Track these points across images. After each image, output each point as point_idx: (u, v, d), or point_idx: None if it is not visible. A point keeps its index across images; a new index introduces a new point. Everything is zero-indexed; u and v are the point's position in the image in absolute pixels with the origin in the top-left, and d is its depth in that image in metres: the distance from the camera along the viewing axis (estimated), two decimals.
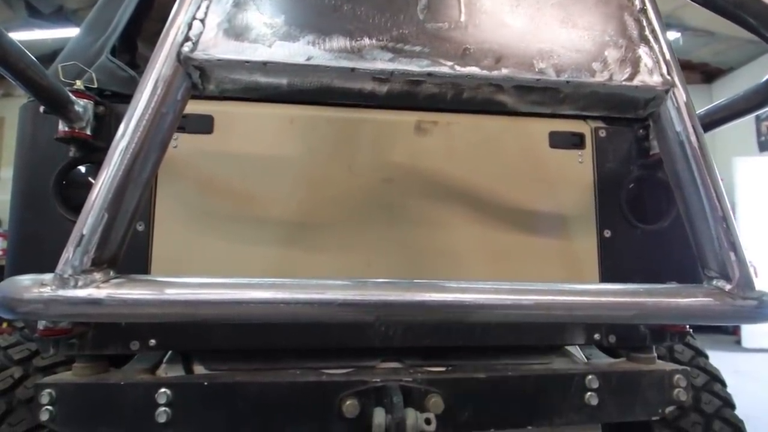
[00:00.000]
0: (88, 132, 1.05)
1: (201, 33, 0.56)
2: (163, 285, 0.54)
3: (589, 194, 1.25)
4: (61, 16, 6.53)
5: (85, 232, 0.52)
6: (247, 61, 0.56)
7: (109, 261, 0.54)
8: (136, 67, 1.25)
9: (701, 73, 7.17)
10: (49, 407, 0.95)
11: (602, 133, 1.27)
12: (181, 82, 0.56)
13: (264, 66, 0.56)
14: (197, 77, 0.58)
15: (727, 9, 0.72)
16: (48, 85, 0.89)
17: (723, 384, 1.45)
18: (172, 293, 0.53)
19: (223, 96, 0.63)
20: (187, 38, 0.55)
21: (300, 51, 0.57)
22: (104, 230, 0.53)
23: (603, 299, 0.57)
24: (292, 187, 1.14)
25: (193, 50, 0.55)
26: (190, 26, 0.56)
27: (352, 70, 0.58)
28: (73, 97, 1.00)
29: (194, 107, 1.12)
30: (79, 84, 1.06)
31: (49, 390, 0.96)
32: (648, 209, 1.28)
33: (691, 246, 1.27)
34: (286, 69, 0.57)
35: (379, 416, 0.94)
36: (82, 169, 1.11)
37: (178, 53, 0.55)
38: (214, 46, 0.56)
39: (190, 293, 0.53)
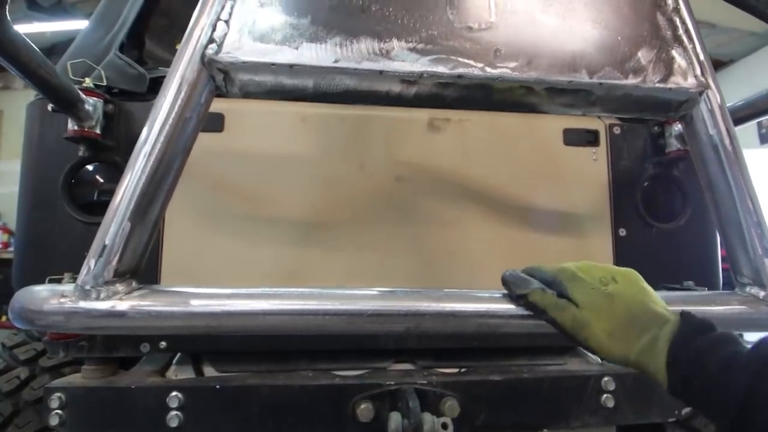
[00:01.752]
0: (98, 131, 1.03)
1: (225, 34, 0.54)
2: (187, 296, 0.52)
3: (603, 192, 1.23)
4: (60, 9, 6.45)
5: (107, 242, 0.50)
6: (273, 64, 0.54)
7: (131, 271, 0.52)
8: (143, 64, 1.22)
9: None
10: (59, 411, 0.94)
11: (617, 130, 1.25)
12: (204, 85, 0.54)
13: (290, 68, 0.54)
14: (221, 79, 0.56)
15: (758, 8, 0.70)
16: (59, 84, 0.87)
17: None
18: (197, 305, 0.51)
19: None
20: (211, 40, 0.53)
21: (327, 53, 0.55)
22: (127, 240, 0.51)
23: None
24: (304, 185, 1.12)
25: (217, 52, 0.53)
26: (214, 27, 0.53)
27: (381, 72, 0.56)
28: (83, 96, 0.98)
29: None
30: (88, 82, 1.04)
31: (58, 394, 0.94)
32: (663, 208, 1.27)
33: (707, 246, 1.27)
34: (313, 71, 0.55)
35: (396, 421, 0.93)
36: (91, 167, 1.09)
37: (202, 55, 0.53)
38: (239, 47, 0.54)
39: (215, 304, 0.52)
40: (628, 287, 0.58)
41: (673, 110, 0.65)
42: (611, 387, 1.05)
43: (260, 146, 1.12)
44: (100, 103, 1.04)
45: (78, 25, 6.70)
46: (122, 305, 0.50)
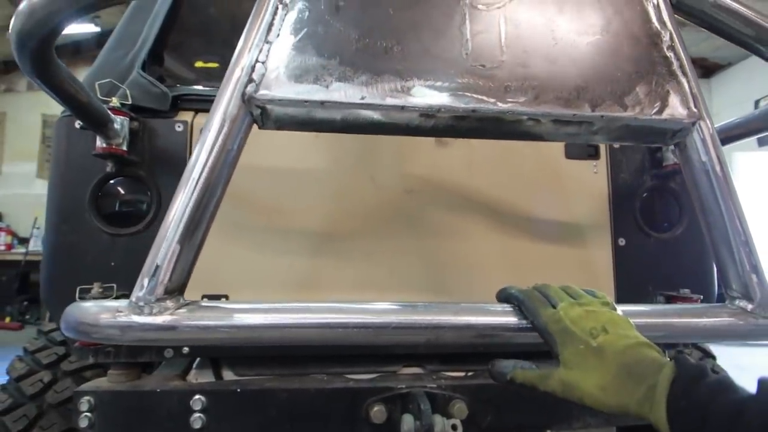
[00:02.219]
0: (124, 147, 1.09)
1: (263, 75, 0.59)
2: (230, 311, 0.58)
3: (603, 204, 1.29)
4: None
5: (159, 262, 0.56)
6: (306, 101, 0.60)
7: (179, 288, 0.58)
8: (163, 81, 1.28)
9: (700, 67, 7.23)
10: (88, 414, 0.99)
11: (616, 145, 1.31)
12: (244, 119, 0.60)
13: (321, 104, 0.60)
14: (258, 114, 0.62)
15: (748, 43, 0.76)
16: (92, 106, 0.93)
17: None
18: (239, 318, 0.57)
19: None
20: (250, 79, 0.59)
21: (355, 91, 0.60)
22: (176, 260, 0.57)
23: (637, 320, 0.61)
24: (317, 199, 1.18)
25: (256, 90, 0.59)
26: (253, 68, 0.59)
27: (402, 107, 0.62)
28: (112, 115, 1.04)
29: None
30: (115, 101, 1.09)
31: (88, 397, 1.00)
32: (661, 218, 1.33)
33: (702, 254, 1.32)
34: (342, 107, 0.61)
35: (408, 422, 0.99)
36: (117, 182, 1.15)
37: (243, 93, 0.59)
38: (276, 86, 0.59)
39: (256, 318, 0.57)
40: (618, 338, 0.57)
41: (668, 139, 0.71)
42: None
43: (275, 161, 1.18)
44: (126, 121, 1.09)
45: (83, 28, 6.75)
46: (172, 320, 0.55)
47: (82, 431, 0.99)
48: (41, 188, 7.46)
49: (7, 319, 6.17)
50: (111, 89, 1.19)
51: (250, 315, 0.58)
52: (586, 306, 0.61)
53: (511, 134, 0.68)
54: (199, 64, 1.47)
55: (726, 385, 0.51)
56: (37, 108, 7.57)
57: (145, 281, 0.56)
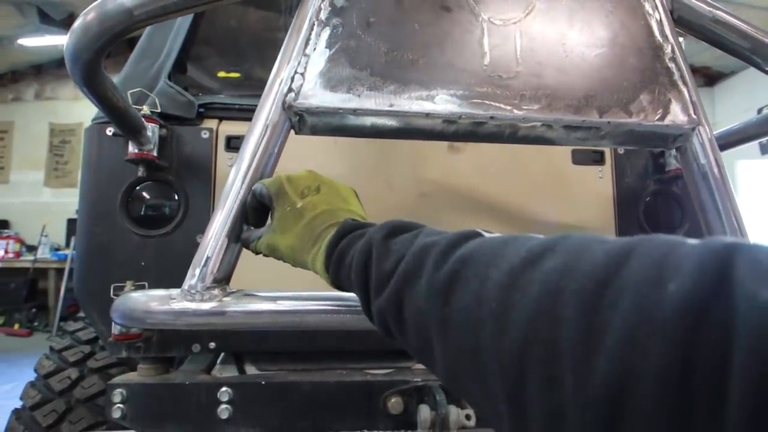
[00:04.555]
0: (155, 153, 1.15)
1: (301, 85, 0.66)
2: (273, 298, 0.63)
3: (608, 207, 1.35)
4: (71, 22, 6.59)
5: (209, 254, 0.62)
6: (340, 109, 0.66)
7: (225, 278, 0.64)
8: (187, 91, 1.34)
9: (703, 76, 7.30)
10: (121, 406, 1.05)
11: (620, 151, 1.37)
12: (283, 125, 0.66)
13: (353, 112, 0.66)
14: (296, 121, 0.68)
15: (745, 55, 0.83)
16: (129, 114, 0.99)
17: None
18: (282, 305, 0.63)
19: None
20: (290, 89, 0.65)
21: (384, 99, 0.66)
22: (224, 252, 0.63)
23: None
24: None
25: (295, 99, 0.65)
26: (292, 79, 0.65)
27: (427, 114, 0.68)
28: (145, 123, 1.10)
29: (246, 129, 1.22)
30: (146, 109, 1.16)
31: (120, 390, 1.05)
32: (663, 222, 1.38)
33: None
34: (372, 114, 0.67)
35: (425, 412, 1.04)
36: (147, 186, 1.21)
37: (283, 101, 0.65)
38: (313, 96, 0.65)
39: (297, 305, 0.63)
40: (324, 202, 0.60)
41: (670, 143, 0.77)
42: None
43: (295, 167, 1.24)
44: (156, 128, 1.16)
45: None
46: (222, 306, 0.61)
47: (115, 422, 1.04)
48: (49, 197, 7.58)
49: (16, 326, 6.22)
50: (139, 98, 1.25)
51: (292, 302, 0.63)
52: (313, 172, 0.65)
53: (525, 139, 0.74)
54: (221, 74, 1.54)
55: (362, 233, 0.53)
56: (44, 117, 7.67)
57: (197, 271, 0.62)
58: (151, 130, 1.14)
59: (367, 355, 1.24)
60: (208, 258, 0.62)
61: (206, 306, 0.61)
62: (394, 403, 1.09)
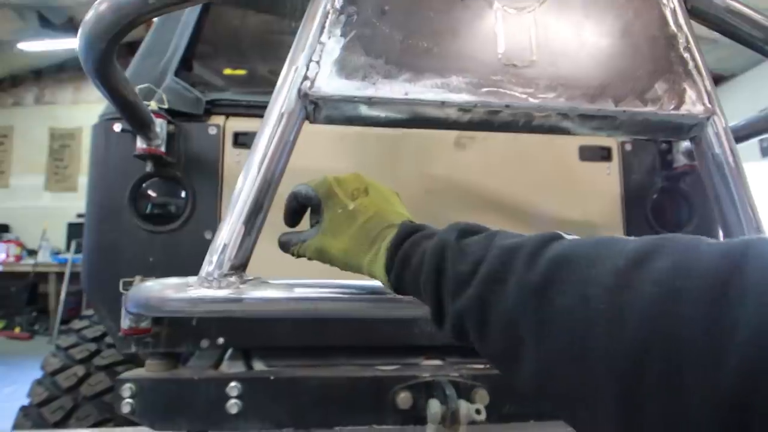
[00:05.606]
0: (163, 149, 1.15)
1: (317, 73, 0.65)
2: (291, 286, 0.63)
3: (616, 204, 1.35)
4: (71, 27, 6.62)
5: (226, 242, 0.62)
6: (355, 97, 0.66)
7: (242, 266, 0.63)
8: (194, 87, 1.34)
9: None
10: (130, 400, 1.04)
11: (628, 147, 1.37)
12: (298, 114, 0.66)
13: (369, 100, 0.66)
14: (311, 110, 0.68)
15: (758, 46, 0.83)
16: (139, 108, 0.99)
17: None
18: (298, 292, 0.62)
19: None
20: (305, 77, 0.65)
21: (399, 88, 0.66)
22: (241, 240, 0.62)
23: None
24: None
25: (310, 87, 0.65)
26: (307, 67, 0.65)
27: (442, 103, 0.68)
28: (154, 118, 1.10)
29: (254, 125, 1.22)
30: (153, 105, 1.16)
31: (129, 384, 1.05)
32: (671, 218, 1.38)
33: None
34: (387, 102, 0.67)
35: (434, 406, 1.04)
36: (155, 182, 1.21)
37: (299, 90, 0.65)
38: (328, 84, 0.65)
39: (312, 292, 0.63)
40: (374, 204, 0.60)
41: (684, 133, 0.77)
42: None
43: (303, 163, 1.23)
44: (164, 123, 1.16)
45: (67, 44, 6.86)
46: (239, 293, 0.61)
47: (124, 417, 1.03)
48: (49, 201, 7.57)
49: (17, 330, 6.20)
50: (147, 94, 1.25)
51: (308, 289, 0.63)
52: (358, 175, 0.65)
53: (540, 128, 0.74)
54: (227, 71, 1.54)
55: (429, 234, 0.53)
56: (44, 122, 7.67)
57: (214, 258, 0.61)
58: (160, 125, 1.14)
59: (376, 351, 1.23)
60: (225, 245, 0.62)
61: (223, 293, 0.61)
62: (404, 398, 1.09)
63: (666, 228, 1.37)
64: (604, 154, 1.36)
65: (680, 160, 1.33)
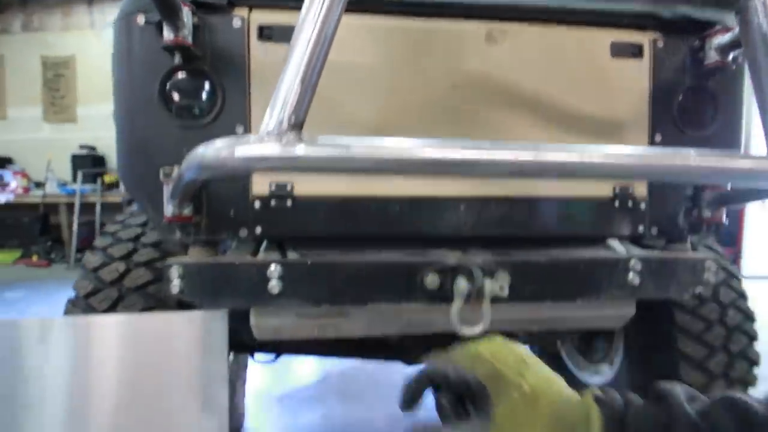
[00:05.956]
0: (190, 40, 1.13)
1: None
2: (347, 143, 0.66)
3: (644, 101, 1.35)
4: None
5: (285, 99, 0.64)
6: None
7: (299, 124, 0.66)
8: None
9: None
10: (178, 281, 1.11)
11: (660, 44, 1.34)
12: None
13: None
14: None
15: None
16: None
17: (738, 279, 1.63)
18: (357, 148, 0.65)
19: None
20: None
21: None
22: (298, 98, 0.64)
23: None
24: (368, 93, 1.23)
25: None
26: None
27: None
28: (181, 5, 1.08)
29: (278, 18, 1.20)
30: None
31: (177, 266, 1.11)
32: (696, 117, 1.39)
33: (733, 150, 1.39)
34: None
35: (461, 284, 1.11)
36: (183, 75, 1.20)
37: None
38: None
39: (370, 146, 0.66)
40: (544, 379, 0.49)
41: (732, 2, 0.77)
42: (638, 268, 1.22)
43: (330, 57, 1.23)
44: (190, 13, 1.13)
45: None
46: (299, 149, 0.64)
47: (174, 297, 1.11)
48: (49, 132, 7.48)
49: (34, 257, 6.40)
50: None
51: (362, 145, 0.66)
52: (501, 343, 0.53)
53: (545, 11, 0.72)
54: None
55: (649, 413, 0.46)
56: (35, 50, 7.40)
57: (274, 115, 0.64)
58: (186, 14, 1.12)
59: (402, 242, 1.29)
60: (284, 103, 0.64)
61: (286, 149, 0.64)
62: (431, 280, 1.15)
63: (691, 127, 1.38)
64: (635, 51, 1.34)
65: (712, 57, 1.31)
